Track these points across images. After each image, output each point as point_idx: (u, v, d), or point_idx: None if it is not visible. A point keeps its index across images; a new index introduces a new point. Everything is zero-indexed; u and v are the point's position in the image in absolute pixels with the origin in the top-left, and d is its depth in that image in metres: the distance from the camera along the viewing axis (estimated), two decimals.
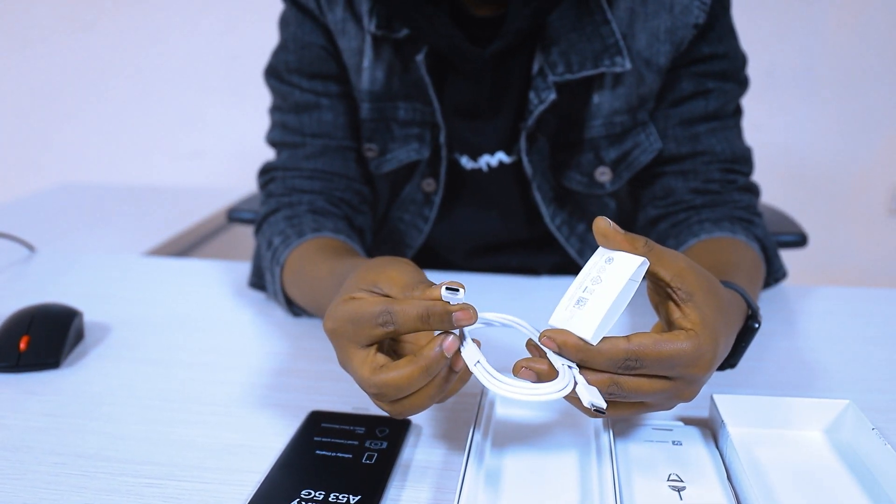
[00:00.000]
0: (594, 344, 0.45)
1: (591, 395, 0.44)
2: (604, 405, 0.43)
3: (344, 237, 0.78)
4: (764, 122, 1.98)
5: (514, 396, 0.43)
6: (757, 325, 0.59)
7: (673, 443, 0.54)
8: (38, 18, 2.29)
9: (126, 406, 0.62)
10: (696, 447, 0.53)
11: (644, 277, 0.48)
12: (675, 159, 0.82)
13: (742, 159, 0.83)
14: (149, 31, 2.27)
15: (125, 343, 0.74)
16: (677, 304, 0.48)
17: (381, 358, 0.47)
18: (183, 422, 0.60)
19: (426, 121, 0.84)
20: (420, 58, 0.79)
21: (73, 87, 2.35)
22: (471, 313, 0.45)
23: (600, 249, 0.49)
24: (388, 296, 0.48)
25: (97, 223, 1.39)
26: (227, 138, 2.28)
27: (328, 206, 0.84)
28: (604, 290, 0.46)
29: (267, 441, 0.57)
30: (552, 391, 0.43)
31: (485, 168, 0.86)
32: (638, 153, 0.82)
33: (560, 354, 0.45)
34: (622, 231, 0.47)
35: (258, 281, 0.83)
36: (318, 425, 0.57)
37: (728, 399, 0.56)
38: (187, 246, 1.36)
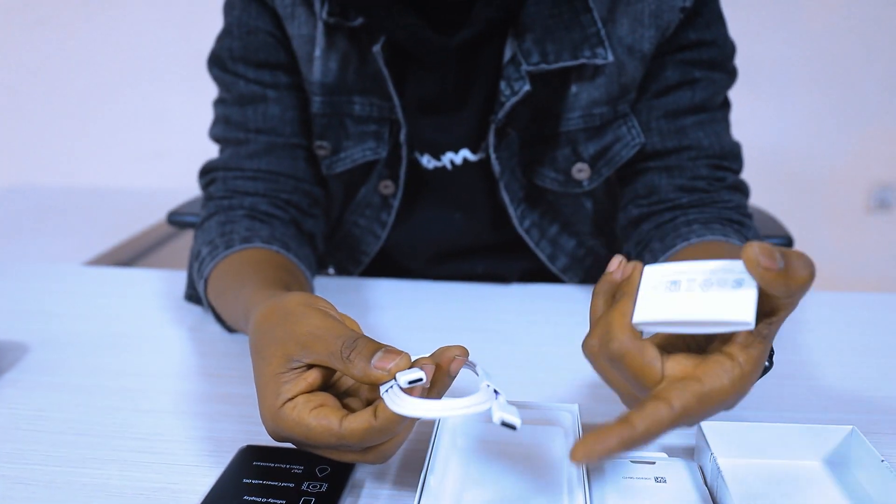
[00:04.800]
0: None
1: (504, 412, 0.40)
2: (517, 422, 0.40)
3: (277, 247, 0.71)
4: (738, 118, 1.95)
5: (425, 414, 0.40)
6: (768, 365, 0.50)
7: (656, 479, 0.47)
8: None
9: (33, 442, 0.54)
10: (682, 484, 0.47)
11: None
12: (659, 154, 0.76)
13: (731, 155, 0.77)
14: (107, 27, 2.17)
15: (42, 366, 0.66)
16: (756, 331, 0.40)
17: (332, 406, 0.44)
18: (96, 461, 0.52)
19: (384, 117, 0.76)
20: (377, 48, 0.71)
21: (30, 85, 2.25)
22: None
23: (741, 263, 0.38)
24: (315, 364, 0.45)
25: (42, 229, 1.31)
26: (191, 138, 2.19)
27: (272, 210, 0.76)
28: (700, 303, 0.38)
29: (192, 483, 0.49)
30: (467, 405, 0.40)
31: (448, 167, 0.79)
32: (619, 148, 0.76)
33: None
34: (779, 262, 0.36)
35: (193, 293, 0.76)
36: (249, 464, 0.49)
37: (716, 426, 0.49)
38: (136, 253, 1.28)
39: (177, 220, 0.99)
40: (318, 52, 0.75)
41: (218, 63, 0.79)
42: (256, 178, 0.77)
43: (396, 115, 0.75)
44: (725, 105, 0.78)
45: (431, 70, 0.75)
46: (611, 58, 0.71)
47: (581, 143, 0.76)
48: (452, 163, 0.79)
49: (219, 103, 0.81)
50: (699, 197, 0.75)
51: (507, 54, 0.72)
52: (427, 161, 0.79)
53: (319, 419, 0.42)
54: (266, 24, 0.76)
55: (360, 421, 0.41)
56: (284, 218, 0.77)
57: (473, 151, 0.78)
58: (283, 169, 0.78)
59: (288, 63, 0.77)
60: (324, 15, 0.72)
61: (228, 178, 0.78)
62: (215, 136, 0.81)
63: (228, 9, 0.78)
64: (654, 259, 0.71)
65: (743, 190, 0.78)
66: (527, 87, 0.71)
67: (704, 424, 0.49)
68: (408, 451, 0.53)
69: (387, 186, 0.80)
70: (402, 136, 0.76)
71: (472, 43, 0.71)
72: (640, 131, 0.75)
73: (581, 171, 0.77)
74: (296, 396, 0.44)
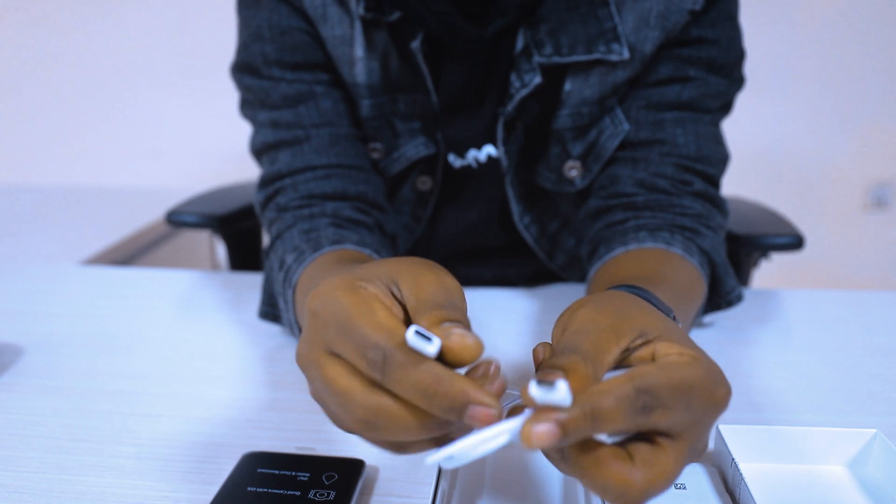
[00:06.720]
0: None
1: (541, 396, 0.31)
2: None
3: (371, 251, 0.64)
4: (736, 117, 1.94)
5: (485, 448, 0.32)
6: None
7: (676, 486, 0.45)
8: None
9: (28, 449, 0.52)
10: (702, 491, 0.45)
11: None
12: (631, 145, 0.72)
13: (706, 160, 0.70)
14: (103, 25, 2.15)
15: (38, 369, 0.64)
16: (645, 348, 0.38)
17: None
18: (94, 468, 0.50)
19: (427, 113, 0.74)
20: (416, 44, 0.68)
21: (24, 83, 2.22)
22: (493, 414, 0.32)
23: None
24: (401, 303, 0.37)
25: (37, 228, 1.28)
26: (187, 137, 2.18)
27: (357, 215, 0.70)
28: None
29: (194, 491, 0.47)
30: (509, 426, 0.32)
31: (474, 164, 0.77)
32: (604, 140, 0.72)
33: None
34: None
35: (271, 310, 0.69)
36: (253, 471, 0.48)
37: (736, 430, 0.48)
38: (133, 252, 1.26)
39: (175, 219, 0.96)
40: (359, 53, 0.71)
41: (249, 70, 0.73)
42: (330, 177, 0.71)
43: (435, 110, 0.73)
44: (721, 110, 0.73)
45: (462, 63, 0.71)
46: (626, 55, 0.67)
47: (569, 141, 0.73)
48: (477, 160, 0.77)
49: (258, 111, 0.74)
50: (657, 198, 0.69)
51: (520, 45, 0.69)
52: (454, 159, 0.77)
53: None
54: (299, 23, 0.72)
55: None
56: (369, 223, 0.71)
57: (496, 146, 0.76)
58: (352, 161, 0.73)
59: (326, 63, 0.73)
60: (360, 10, 0.69)
61: (299, 183, 0.71)
62: (264, 142, 0.74)
63: (252, 10, 0.72)
64: (600, 261, 0.67)
65: (712, 200, 0.71)
66: (538, 80, 0.69)
67: (724, 428, 0.48)
68: (418, 459, 0.51)
69: (424, 182, 0.78)
70: (439, 133, 0.74)
71: (497, 35, 0.69)
72: (623, 119, 0.71)
73: (572, 170, 0.74)
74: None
